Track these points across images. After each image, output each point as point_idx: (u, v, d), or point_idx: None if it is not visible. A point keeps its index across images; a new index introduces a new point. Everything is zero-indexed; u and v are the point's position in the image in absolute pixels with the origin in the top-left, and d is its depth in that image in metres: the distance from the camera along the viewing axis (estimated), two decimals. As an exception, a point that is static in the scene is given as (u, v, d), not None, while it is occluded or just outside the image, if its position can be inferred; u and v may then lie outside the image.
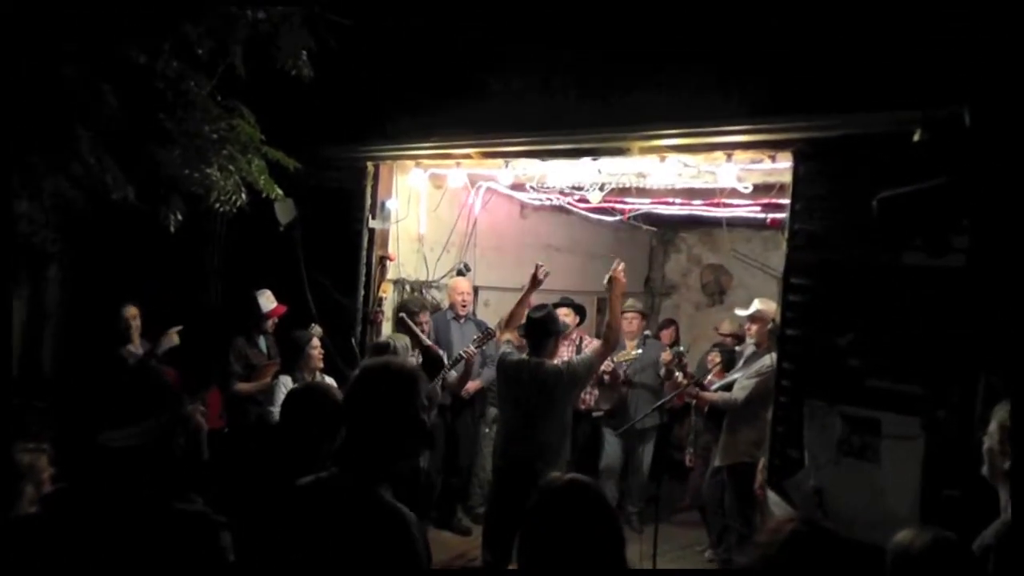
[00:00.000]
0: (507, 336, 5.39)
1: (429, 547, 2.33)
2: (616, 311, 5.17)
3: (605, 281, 5.17)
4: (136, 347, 5.78)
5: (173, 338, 5.64)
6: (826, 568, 2.10)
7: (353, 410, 2.41)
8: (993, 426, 2.71)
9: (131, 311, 5.79)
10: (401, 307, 6.50)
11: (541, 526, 2.12)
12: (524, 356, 5.05)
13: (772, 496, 4.45)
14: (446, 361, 6.17)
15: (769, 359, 5.68)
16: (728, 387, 6.12)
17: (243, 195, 4.97)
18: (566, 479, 2.20)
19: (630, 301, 7.54)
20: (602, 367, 6.14)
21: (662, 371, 6.88)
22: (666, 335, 8.10)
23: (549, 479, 2.21)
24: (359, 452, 2.34)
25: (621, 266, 5.21)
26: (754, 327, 6.20)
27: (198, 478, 2.39)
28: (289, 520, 2.32)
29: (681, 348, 7.15)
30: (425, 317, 6.33)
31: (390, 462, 2.37)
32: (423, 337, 6.01)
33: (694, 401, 6.58)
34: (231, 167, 4.86)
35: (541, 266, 5.41)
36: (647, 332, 7.39)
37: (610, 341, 5.23)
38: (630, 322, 7.15)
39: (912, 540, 2.21)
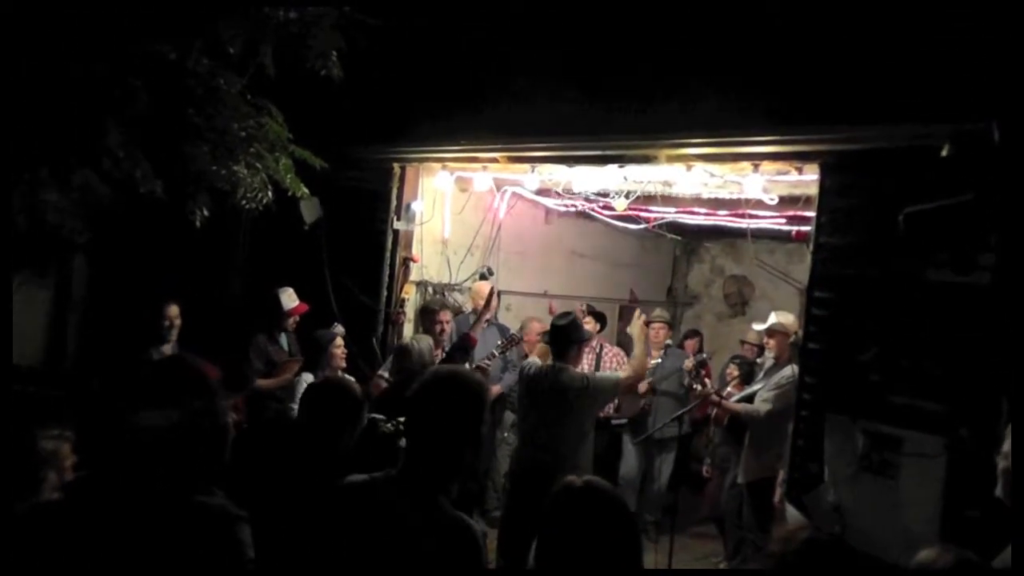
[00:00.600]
0: (534, 358, 5.45)
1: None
2: (640, 351, 5.35)
3: (628, 330, 5.39)
4: (171, 348, 5.76)
5: None
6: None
7: (419, 417, 2.38)
8: (1007, 446, 2.67)
9: (173, 310, 5.66)
10: (423, 309, 6.51)
11: (557, 527, 2.12)
12: (547, 363, 5.07)
13: (791, 510, 4.41)
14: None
15: (790, 371, 5.65)
16: (748, 400, 6.09)
17: (269, 193, 5.01)
18: (583, 481, 2.19)
19: (657, 311, 7.53)
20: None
21: (686, 380, 6.86)
22: (690, 345, 8.06)
23: (566, 481, 2.20)
24: (421, 460, 2.31)
25: (640, 319, 5.40)
26: (772, 340, 6.16)
27: (220, 472, 2.40)
28: (342, 519, 2.30)
29: (704, 355, 7.12)
30: (446, 316, 6.33)
31: (452, 473, 2.35)
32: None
33: (715, 412, 6.55)
34: (258, 164, 4.89)
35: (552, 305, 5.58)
36: (668, 342, 7.38)
37: (639, 372, 5.45)
38: (656, 332, 7.15)
39: (935, 559, 2.18)
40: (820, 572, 2.09)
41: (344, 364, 5.67)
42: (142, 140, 4.29)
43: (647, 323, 7.13)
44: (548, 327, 5.36)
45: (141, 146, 4.28)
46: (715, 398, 6.30)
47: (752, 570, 5.91)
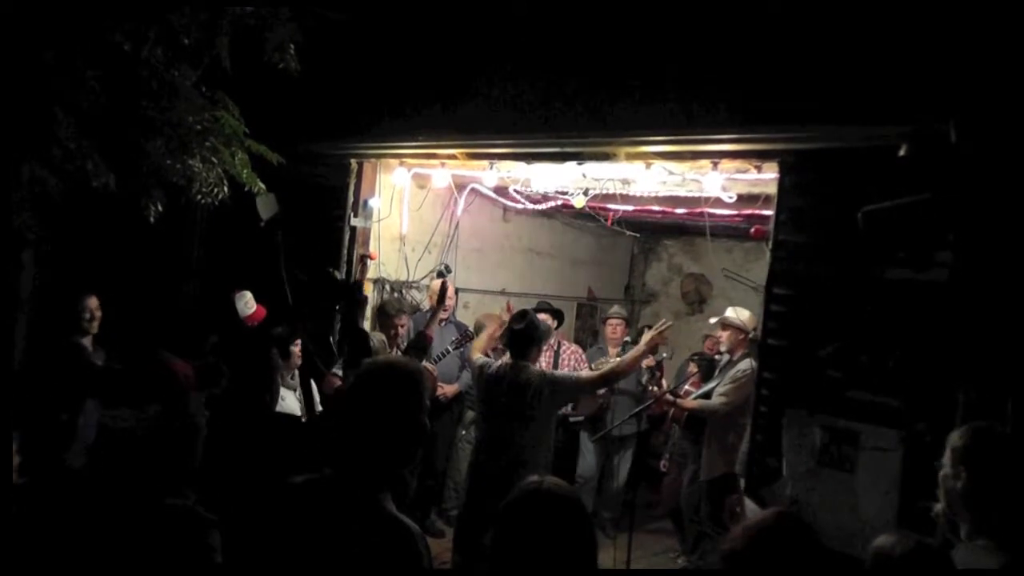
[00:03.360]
0: (478, 354, 5.37)
1: (432, 560, 2.26)
2: (633, 360, 5.02)
3: (646, 338, 5.00)
4: (89, 341, 5.64)
5: None
6: (804, 562, 2.08)
7: (355, 410, 2.30)
8: (948, 458, 2.68)
9: (93, 301, 5.58)
10: (380, 309, 6.48)
11: (513, 527, 2.09)
12: (504, 361, 5.03)
13: (750, 504, 4.45)
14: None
15: (747, 364, 5.71)
16: (706, 396, 6.12)
17: (225, 188, 4.91)
18: (542, 482, 2.17)
19: (615, 308, 7.56)
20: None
21: (644, 377, 6.89)
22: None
23: (526, 481, 2.18)
24: (359, 455, 2.23)
25: (667, 327, 5.06)
26: (725, 334, 6.21)
27: (191, 474, 2.33)
28: (283, 524, 2.21)
29: (664, 355, 7.15)
30: (403, 320, 6.31)
31: (391, 467, 2.28)
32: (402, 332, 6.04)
33: (672, 410, 6.58)
34: (214, 159, 4.79)
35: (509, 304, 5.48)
36: (627, 339, 7.40)
37: (608, 379, 5.16)
38: (614, 329, 7.18)
39: (894, 545, 2.21)
40: (786, 556, 2.07)
41: (301, 362, 5.60)
42: (94, 132, 4.18)
43: (605, 320, 7.18)
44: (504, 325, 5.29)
45: (93, 138, 4.18)
46: (670, 397, 6.33)
47: (713, 570, 5.94)
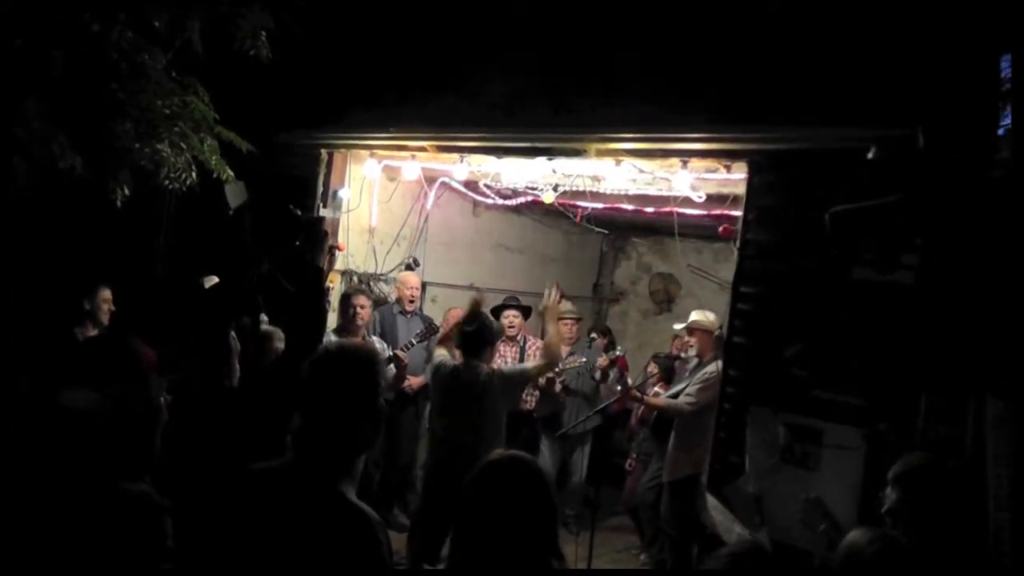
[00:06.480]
0: (442, 350, 5.39)
1: (392, 550, 2.23)
2: (552, 336, 5.30)
3: (540, 307, 5.38)
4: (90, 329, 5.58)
5: None
6: None
7: (310, 395, 2.25)
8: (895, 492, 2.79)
9: (106, 294, 5.53)
10: (343, 297, 6.45)
11: (477, 492, 2.13)
12: (457, 362, 5.08)
13: (712, 500, 4.48)
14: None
15: (715, 367, 5.72)
16: (675, 398, 6.13)
17: (193, 174, 4.86)
18: (505, 454, 2.21)
19: (568, 306, 7.52)
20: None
21: (597, 375, 6.90)
22: (600, 343, 8.08)
23: (490, 454, 2.22)
24: (318, 442, 2.20)
25: (556, 294, 5.35)
26: (693, 338, 6.23)
27: (149, 459, 2.30)
28: (243, 512, 2.16)
29: (618, 352, 7.14)
30: (361, 300, 6.21)
31: (351, 453, 2.24)
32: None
33: (639, 409, 6.59)
34: (183, 144, 4.74)
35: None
36: (593, 335, 7.41)
37: (548, 360, 5.34)
38: (569, 328, 7.10)
39: (863, 540, 2.23)
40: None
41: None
42: (61, 113, 4.11)
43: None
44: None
45: (60, 120, 4.10)
46: (637, 394, 6.34)
47: (673, 570, 5.97)
